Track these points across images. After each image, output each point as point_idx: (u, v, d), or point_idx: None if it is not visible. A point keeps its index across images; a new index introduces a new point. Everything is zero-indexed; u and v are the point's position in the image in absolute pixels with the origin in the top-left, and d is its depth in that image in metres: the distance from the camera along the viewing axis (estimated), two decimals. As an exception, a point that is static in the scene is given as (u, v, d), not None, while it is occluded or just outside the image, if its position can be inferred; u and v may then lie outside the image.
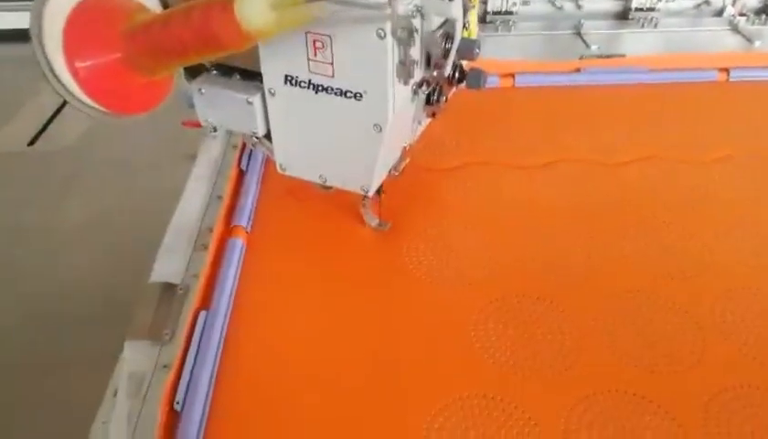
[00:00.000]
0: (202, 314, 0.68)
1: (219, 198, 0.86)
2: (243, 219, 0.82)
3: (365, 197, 0.77)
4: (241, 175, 0.91)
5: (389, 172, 0.74)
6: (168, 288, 0.72)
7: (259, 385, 0.63)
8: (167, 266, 0.74)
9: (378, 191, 0.77)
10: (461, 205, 0.86)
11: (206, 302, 0.70)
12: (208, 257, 0.75)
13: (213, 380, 0.62)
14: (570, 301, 0.70)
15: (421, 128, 0.78)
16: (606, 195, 0.87)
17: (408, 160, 0.75)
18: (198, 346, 0.64)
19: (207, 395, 0.60)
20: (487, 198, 0.87)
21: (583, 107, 1.05)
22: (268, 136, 0.73)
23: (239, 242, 0.78)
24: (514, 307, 0.70)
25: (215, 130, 0.83)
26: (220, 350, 0.65)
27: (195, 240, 0.79)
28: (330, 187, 0.80)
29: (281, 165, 0.73)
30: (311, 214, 0.84)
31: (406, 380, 0.63)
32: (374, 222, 0.81)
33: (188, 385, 0.61)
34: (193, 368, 0.62)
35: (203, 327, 0.66)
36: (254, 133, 0.71)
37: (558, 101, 1.06)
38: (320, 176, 0.72)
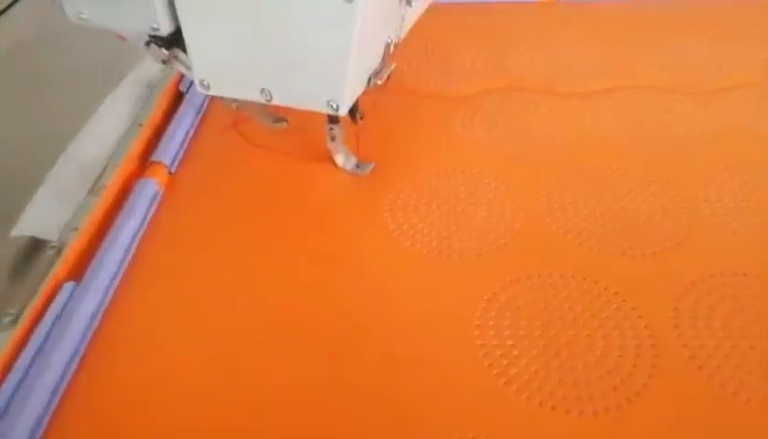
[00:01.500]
0: (66, 287, 0.45)
1: (141, 126, 0.62)
2: (167, 155, 0.59)
3: (332, 124, 0.53)
4: (178, 98, 0.67)
5: (369, 81, 0.49)
6: (36, 246, 0.49)
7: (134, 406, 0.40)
8: (41, 216, 0.52)
9: (354, 115, 0.52)
10: (476, 144, 0.60)
11: (78, 269, 0.47)
12: (101, 203, 0.52)
13: (54, 401, 0.39)
14: (639, 294, 0.45)
15: (413, 15, 0.53)
16: (688, 132, 0.60)
17: (394, 66, 0.50)
18: (46, 338, 0.42)
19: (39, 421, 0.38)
20: (515, 134, 0.61)
21: (651, 22, 0.78)
22: (178, 40, 0.48)
23: (151, 185, 0.55)
24: (534, 296, 0.45)
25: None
26: (80, 353, 0.42)
27: (95, 180, 0.56)
28: (283, 119, 0.56)
29: (202, 82, 0.49)
30: (260, 154, 0.60)
31: (367, 405, 0.40)
32: (349, 163, 0.57)
33: (9, 402, 0.38)
34: (23, 378, 0.40)
35: (62, 309, 0.44)
36: (154, 30, 0.46)
37: (613, 18, 0.79)
38: (262, 91, 0.47)
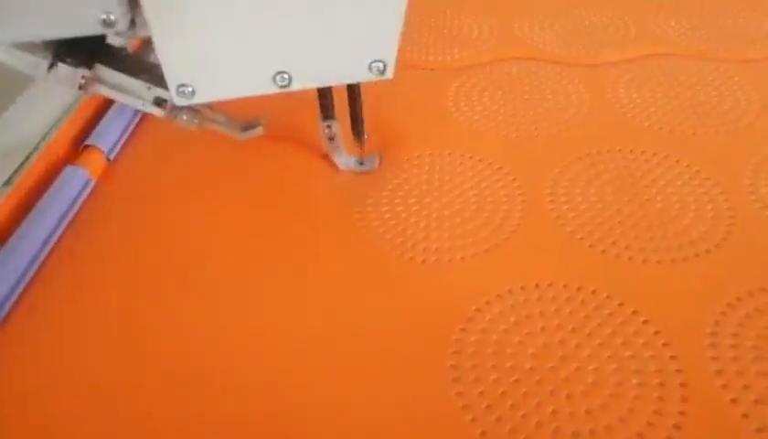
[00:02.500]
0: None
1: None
2: (105, 140, 0.50)
3: (328, 120, 0.44)
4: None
5: None
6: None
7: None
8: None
9: (360, 133, 0.45)
10: (475, 124, 0.50)
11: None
12: (12, 195, 0.44)
13: None
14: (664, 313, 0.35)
15: None
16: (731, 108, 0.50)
17: None
18: None
19: None
20: (524, 109, 0.51)
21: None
22: (98, 49, 0.38)
23: (80, 175, 0.46)
24: (527, 313, 0.36)
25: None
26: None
27: (16, 169, 0.48)
28: (256, 124, 0.45)
29: (182, 89, 0.34)
30: (218, 137, 0.51)
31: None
32: (351, 162, 0.47)
33: None
34: None
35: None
36: (106, 24, 0.32)
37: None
38: (276, 77, 0.34)
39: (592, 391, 0.32)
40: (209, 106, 0.42)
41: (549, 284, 0.37)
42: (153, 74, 0.40)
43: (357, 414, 0.32)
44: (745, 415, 0.30)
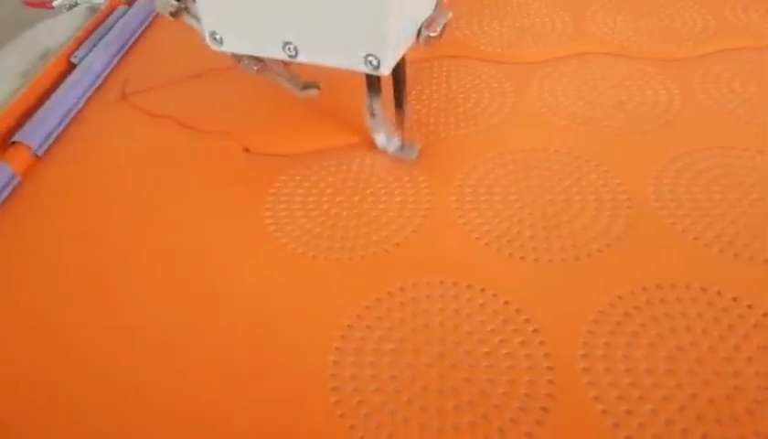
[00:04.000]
0: None
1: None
2: (33, 136, 0.51)
3: (372, 95, 0.44)
4: (66, 69, 0.59)
5: (419, 33, 0.39)
6: None
7: None
8: None
9: (401, 101, 0.45)
10: (551, 119, 0.51)
11: None
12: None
13: None
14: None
15: None
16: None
17: (450, 15, 0.41)
18: None
19: None
20: (596, 106, 0.51)
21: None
22: None
23: (4, 171, 0.47)
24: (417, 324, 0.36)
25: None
26: None
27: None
28: (314, 85, 0.47)
29: (213, 35, 0.41)
30: (152, 134, 0.52)
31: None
32: (391, 145, 0.47)
33: None
34: None
35: None
36: None
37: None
38: (286, 45, 0.39)
39: (463, 388, 0.33)
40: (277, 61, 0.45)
41: (441, 282, 0.38)
42: None
43: (241, 411, 0.32)
44: (605, 412, 0.31)
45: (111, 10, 0.68)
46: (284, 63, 0.45)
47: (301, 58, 0.39)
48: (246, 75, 0.58)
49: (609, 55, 0.57)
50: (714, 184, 0.43)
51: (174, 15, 0.45)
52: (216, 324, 0.37)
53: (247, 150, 0.50)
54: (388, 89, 0.44)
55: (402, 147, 0.47)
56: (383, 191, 0.45)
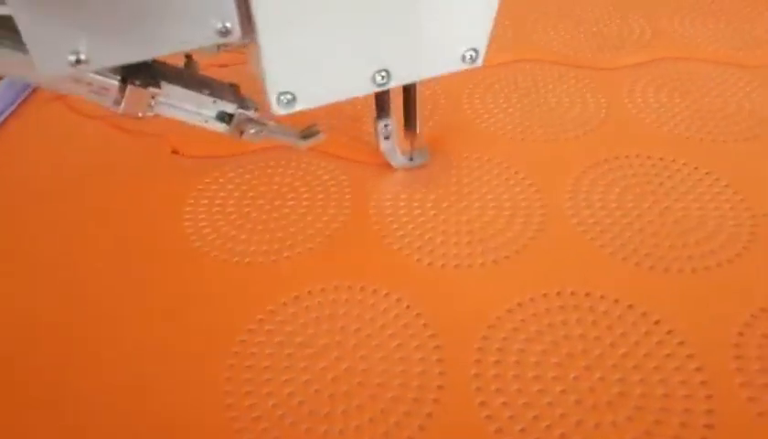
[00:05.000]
0: None
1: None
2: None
3: (384, 119, 0.43)
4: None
5: None
6: None
7: None
8: None
9: (412, 123, 0.44)
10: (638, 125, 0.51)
11: None
12: None
13: None
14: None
15: None
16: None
17: None
18: None
19: None
20: (693, 111, 0.52)
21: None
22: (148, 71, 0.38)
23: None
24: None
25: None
26: None
27: None
28: (315, 132, 0.45)
29: (282, 98, 0.35)
30: (86, 135, 0.52)
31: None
32: (403, 160, 0.47)
33: None
34: None
35: None
36: (222, 33, 0.31)
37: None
38: (376, 76, 0.36)
39: (355, 392, 0.33)
40: (273, 118, 0.42)
41: (356, 287, 0.38)
42: (212, 88, 0.41)
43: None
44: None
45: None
46: (275, 120, 0.43)
47: (392, 84, 0.37)
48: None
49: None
50: (629, 192, 0.44)
51: (152, 107, 0.39)
52: (121, 328, 0.37)
53: (176, 152, 0.50)
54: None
55: (412, 159, 0.47)
56: (306, 195, 0.45)
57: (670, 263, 0.39)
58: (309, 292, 0.38)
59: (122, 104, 0.38)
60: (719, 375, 0.33)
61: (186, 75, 0.41)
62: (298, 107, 0.35)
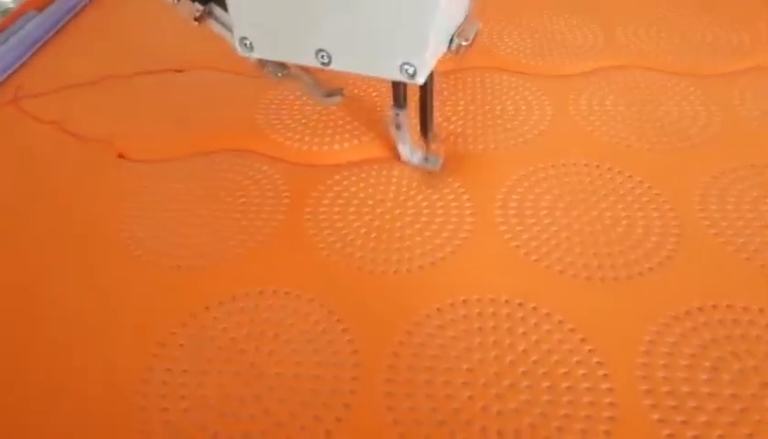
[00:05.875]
0: None
1: None
2: None
3: (398, 108, 0.44)
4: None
5: (451, 41, 0.38)
6: None
7: None
8: None
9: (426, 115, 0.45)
10: (584, 133, 0.52)
11: None
12: None
13: None
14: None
15: None
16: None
17: (480, 25, 0.39)
18: None
19: None
20: (634, 122, 0.52)
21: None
22: None
23: None
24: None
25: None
26: None
27: None
28: (338, 93, 0.47)
29: (243, 41, 0.40)
30: (34, 143, 0.53)
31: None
32: (415, 157, 0.47)
33: None
34: None
35: None
36: None
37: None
38: (319, 53, 0.38)
39: (265, 395, 0.33)
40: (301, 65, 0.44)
41: (280, 292, 0.39)
42: None
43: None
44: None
45: (20, 14, 0.68)
46: (308, 69, 0.45)
47: (334, 67, 0.38)
48: (143, 83, 0.60)
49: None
50: (560, 200, 0.44)
51: (198, 19, 0.44)
52: (49, 325, 0.37)
53: (122, 156, 0.51)
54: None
55: (426, 159, 0.47)
56: (242, 199, 0.46)
57: (593, 272, 0.39)
58: (233, 297, 0.39)
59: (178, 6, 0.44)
60: (624, 383, 0.33)
61: None
62: (255, 54, 0.40)
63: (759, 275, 0.38)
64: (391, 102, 0.44)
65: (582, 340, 0.35)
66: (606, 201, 0.44)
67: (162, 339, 0.36)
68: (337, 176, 0.47)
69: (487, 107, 0.54)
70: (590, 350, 0.35)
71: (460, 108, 0.54)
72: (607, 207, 0.43)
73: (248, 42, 0.40)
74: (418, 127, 0.46)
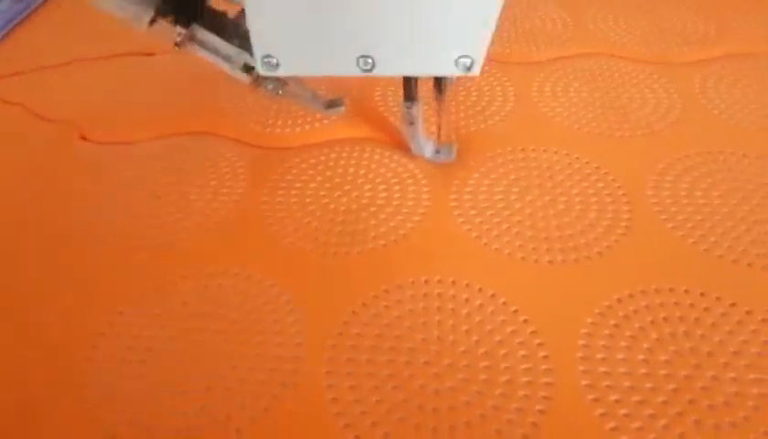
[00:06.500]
0: None
1: None
2: None
3: (410, 102, 0.43)
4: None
5: None
6: None
7: None
8: None
9: (441, 87, 0.43)
10: (553, 120, 0.52)
11: None
12: None
13: None
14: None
15: None
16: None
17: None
18: None
19: None
20: (599, 109, 0.52)
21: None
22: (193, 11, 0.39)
23: None
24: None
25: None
26: None
27: None
28: (339, 103, 0.44)
29: (267, 60, 0.36)
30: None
31: None
32: (427, 149, 0.47)
33: None
34: None
35: None
36: None
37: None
38: (360, 60, 0.35)
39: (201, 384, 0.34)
40: (297, 79, 0.43)
41: (242, 274, 0.39)
42: (245, 39, 0.39)
43: None
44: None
45: (-8, -4, 0.68)
46: (303, 82, 0.43)
47: (377, 72, 0.35)
48: (111, 66, 0.60)
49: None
50: (515, 185, 0.44)
51: (179, 45, 0.39)
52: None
53: (84, 138, 0.51)
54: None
55: (439, 150, 0.47)
56: (199, 181, 0.46)
57: (542, 255, 0.39)
58: (185, 276, 0.39)
59: (152, 32, 0.38)
60: (563, 364, 0.33)
61: (229, 23, 0.40)
62: (281, 72, 0.36)
63: (703, 259, 0.39)
64: (402, 98, 0.42)
65: (525, 321, 0.36)
66: (562, 186, 0.44)
67: (101, 329, 0.36)
68: (297, 159, 0.47)
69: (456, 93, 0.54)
70: (532, 332, 0.35)
71: (421, 94, 0.54)
72: (562, 192, 0.44)
73: (273, 60, 0.35)
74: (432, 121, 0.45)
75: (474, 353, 0.34)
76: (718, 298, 0.36)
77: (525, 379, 0.33)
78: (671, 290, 0.37)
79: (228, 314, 0.37)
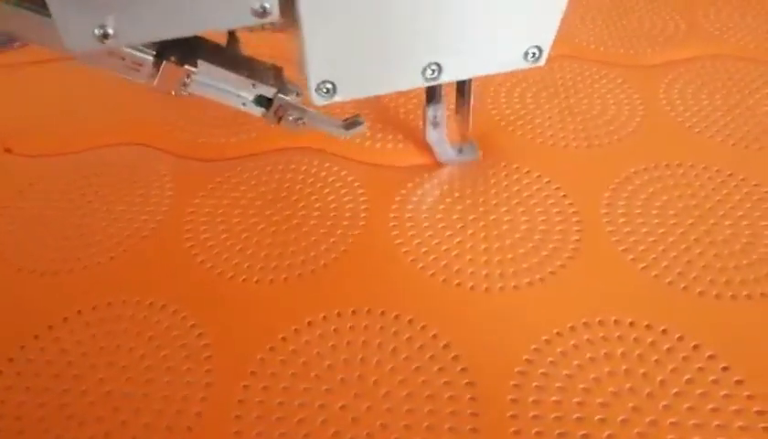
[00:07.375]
0: None
1: None
2: None
3: (434, 104, 0.41)
4: None
5: None
6: None
7: None
8: None
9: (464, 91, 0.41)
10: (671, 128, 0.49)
11: None
12: None
13: None
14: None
15: None
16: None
17: None
18: None
19: None
20: (727, 115, 0.49)
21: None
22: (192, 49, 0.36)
23: None
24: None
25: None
26: None
27: None
28: (358, 121, 0.41)
29: (322, 87, 0.33)
30: None
31: None
32: (451, 152, 0.44)
33: None
34: None
35: None
36: (258, 13, 0.28)
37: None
38: (426, 69, 0.33)
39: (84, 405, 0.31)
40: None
41: (144, 303, 0.36)
42: (253, 69, 0.38)
43: None
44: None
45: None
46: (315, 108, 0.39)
47: (443, 78, 0.34)
48: (34, 72, 0.56)
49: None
50: (458, 203, 0.41)
51: (187, 85, 0.36)
52: None
53: (8, 151, 0.48)
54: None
55: (461, 151, 0.44)
56: (127, 198, 0.43)
57: (479, 282, 0.37)
58: (94, 307, 0.36)
59: (156, 80, 0.35)
60: (492, 406, 0.31)
61: (227, 54, 0.38)
62: (338, 98, 0.33)
63: (653, 287, 0.36)
64: (426, 101, 0.40)
65: (455, 358, 0.33)
66: (508, 204, 0.41)
67: (12, 354, 0.34)
68: (228, 173, 0.44)
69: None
70: (462, 369, 0.32)
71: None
72: (508, 210, 0.41)
73: (329, 86, 0.33)
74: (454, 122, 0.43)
75: (396, 395, 0.31)
76: (664, 331, 0.34)
77: (448, 425, 0.30)
78: (616, 322, 0.34)
79: (136, 348, 0.34)
